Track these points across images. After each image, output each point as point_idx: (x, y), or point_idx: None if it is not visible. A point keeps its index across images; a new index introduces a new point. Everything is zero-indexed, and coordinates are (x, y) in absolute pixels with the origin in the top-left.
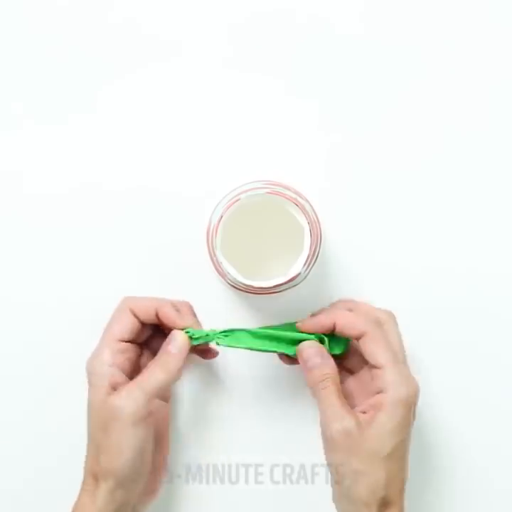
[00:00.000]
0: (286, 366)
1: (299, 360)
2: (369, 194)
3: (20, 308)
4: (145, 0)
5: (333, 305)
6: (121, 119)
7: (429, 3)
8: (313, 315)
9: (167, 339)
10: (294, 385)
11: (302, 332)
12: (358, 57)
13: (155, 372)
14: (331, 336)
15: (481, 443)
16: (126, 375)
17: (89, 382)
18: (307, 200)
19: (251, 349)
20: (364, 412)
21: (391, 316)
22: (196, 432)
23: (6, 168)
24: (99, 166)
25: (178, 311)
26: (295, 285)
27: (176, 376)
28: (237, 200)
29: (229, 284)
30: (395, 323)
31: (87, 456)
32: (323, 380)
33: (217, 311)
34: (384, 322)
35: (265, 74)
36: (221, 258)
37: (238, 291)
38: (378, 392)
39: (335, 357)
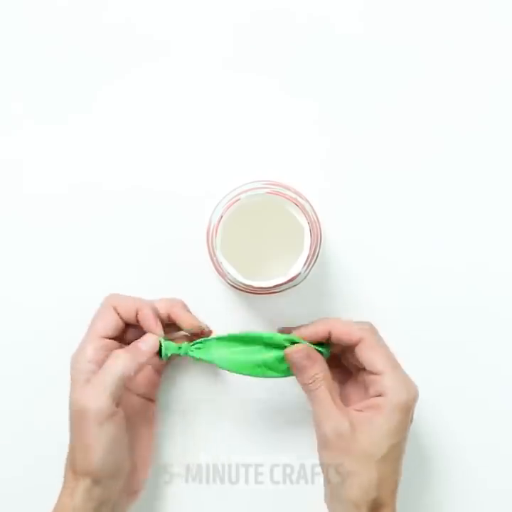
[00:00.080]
0: None
1: (289, 363)
2: (369, 194)
3: (18, 308)
4: (144, 1)
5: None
6: (121, 119)
7: (429, 3)
8: (302, 325)
9: (142, 338)
10: (294, 384)
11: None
12: (357, 57)
13: (117, 363)
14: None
15: (478, 445)
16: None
17: (71, 378)
18: (307, 200)
19: (225, 368)
20: (360, 411)
21: (373, 327)
22: (196, 431)
23: (6, 168)
24: (98, 166)
25: (156, 317)
26: (295, 285)
27: (136, 369)
28: (237, 200)
29: (229, 284)
30: (379, 333)
31: (68, 454)
32: (314, 381)
33: (217, 311)
34: (373, 331)
35: (265, 74)
36: (221, 258)
37: (238, 291)
38: (377, 396)
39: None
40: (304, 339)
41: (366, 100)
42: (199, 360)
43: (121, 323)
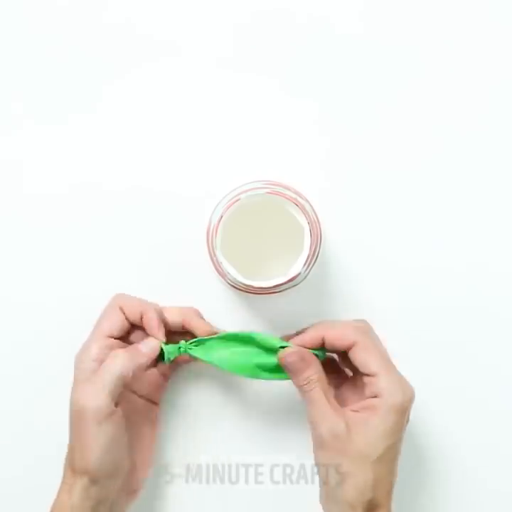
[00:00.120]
0: None
1: (283, 367)
2: (369, 194)
3: (18, 308)
4: (143, 1)
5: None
6: (121, 119)
7: (429, 3)
8: (298, 332)
9: (144, 340)
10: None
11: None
12: (357, 57)
13: (115, 362)
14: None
15: (476, 446)
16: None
17: (73, 377)
18: (307, 200)
19: (223, 368)
20: (356, 411)
21: (368, 324)
22: (196, 431)
23: (5, 168)
24: (98, 166)
25: (161, 322)
26: (295, 285)
27: (136, 369)
28: (237, 200)
29: (229, 284)
30: (374, 331)
31: (67, 452)
32: (309, 382)
33: (217, 311)
34: (366, 330)
35: (265, 74)
36: (221, 258)
37: (238, 291)
38: (373, 397)
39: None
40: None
41: (366, 100)
42: (198, 359)
43: (126, 324)
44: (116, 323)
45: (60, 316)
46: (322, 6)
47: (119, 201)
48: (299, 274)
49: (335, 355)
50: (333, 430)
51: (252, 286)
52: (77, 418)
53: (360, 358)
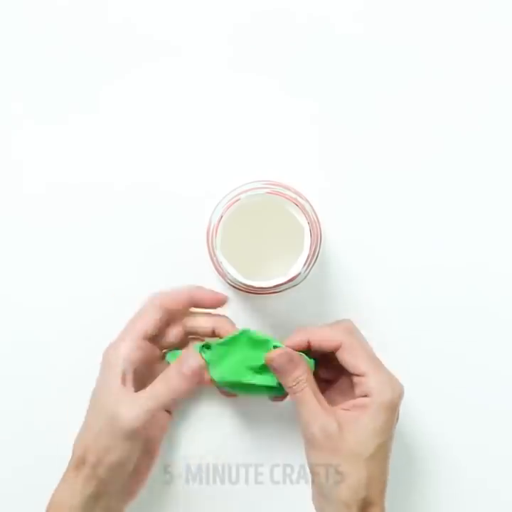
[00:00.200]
0: None
1: (271, 369)
2: (369, 194)
3: (17, 307)
4: (143, 1)
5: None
6: (121, 120)
7: (429, 3)
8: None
9: (181, 358)
10: None
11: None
12: (357, 57)
13: (162, 393)
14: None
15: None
16: (138, 372)
17: (102, 371)
18: (307, 200)
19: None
20: (346, 410)
21: (352, 323)
22: (197, 432)
23: (6, 168)
24: (98, 167)
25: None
26: (295, 285)
27: (184, 396)
28: (237, 200)
29: (229, 284)
30: (358, 330)
31: (78, 438)
32: (297, 383)
33: (217, 311)
34: (351, 330)
35: (265, 74)
36: (221, 258)
37: (238, 291)
38: (363, 396)
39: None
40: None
41: (366, 100)
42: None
43: (160, 324)
44: (150, 322)
45: (59, 315)
46: (322, 6)
47: (119, 201)
48: (299, 274)
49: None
50: (325, 429)
51: (252, 286)
52: (106, 424)
53: (348, 358)
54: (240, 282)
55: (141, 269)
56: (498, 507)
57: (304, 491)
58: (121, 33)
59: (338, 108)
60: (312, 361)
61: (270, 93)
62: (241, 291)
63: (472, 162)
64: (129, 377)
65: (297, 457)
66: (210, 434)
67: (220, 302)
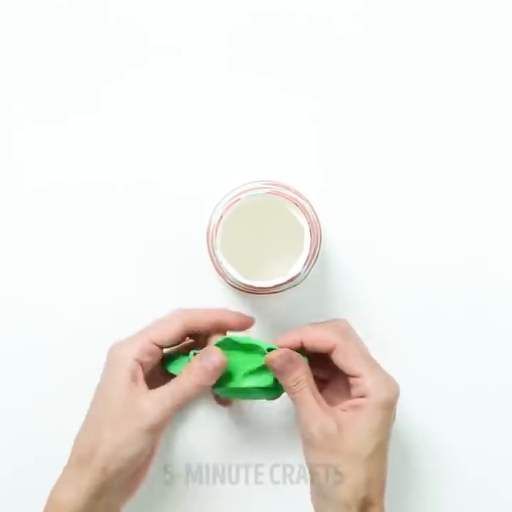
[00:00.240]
0: None
1: (271, 370)
2: (369, 194)
3: (17, 307)
4: (144, 1)
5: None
6: (121, 120)
7: (429, 3)
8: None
9: (202, 355)
10: None
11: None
12: (357, 57)
13: (186, 387)
14: None
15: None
16: (148, 376)
17: (110, 368)
18: (307, 200)
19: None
20: (344, 411)
21: (347, 323)
22: (197, 431)
23: (6, 168)
24: (98, 167)
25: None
26: (295, 285)
27: (202, 392)
28: (237, 200)
29: (229, 284)
30: (353, 329)
31: (81, 435)
32: (297, 383)
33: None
34: (346, 330)
35: (265, 74)
36: (221, 258)
37: (238, 291)
38: (359, 397)
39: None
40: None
41: (366, 100)
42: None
43: (179, 337)
44: (168, 336)
45: (59, 315)
46: (322, 6)
47: (119, 201)
48: (299, 274)
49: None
50: (325, 430)
51: (252, 286)
52: (125, 415)
53: (343, 361)
54: (240, 282)
55: (141, 269)
56: (497, 506)
57: (304, 491)
58: (122, 33)
59: (338, 108)
60: (305, 359)
61: (270, 93)
62: (241, 291)
63: (472, 162)
64: (140, 376)
65: (297, 457)
66: (210, 434)
67: (248, 324)
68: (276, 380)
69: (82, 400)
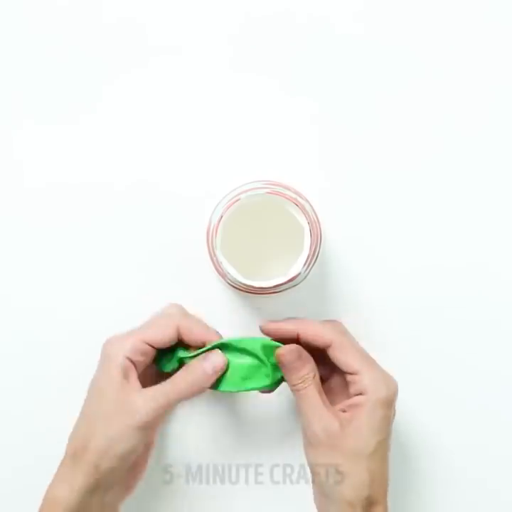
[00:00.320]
0: None
1: (280, 364)
2: (369, 194)
3: (17, 307)
4: (144, 1)
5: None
6: (121, 120)
7: (429, 3)
8: (272, 321)
9: (204, 355)
10: None
11: (265, 333)
12: (357, 57)
13: (182, 387)
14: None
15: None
16: (141, 374)
17: (102, 363)
18: (307, 200)
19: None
20: (344, 411)
21: (341, 323)
22: (197, 431)
23: (6, 168)
24: (98, 167)
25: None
26: (295, 285)
27: (199, 393)
28: (237, 200)
29: (229, 284)
30: (348, 331)
31: (74, 431)
32: (303, 381)
33: (217, 311)
34: (341, 329)
35: (265, 74)
36: (221, 258)
37: (238, 291)
38: (357, 395)
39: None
40: (270, 334)
41: (366, 100)
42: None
43: (171, 341)
44: (162, 339)
45: (59, 314)
46: (322, 6)
47: (119, 201)
48: (299, 274)
49: None
50: (328, 429)
51: (252, 286)
52: (118, 412)
53: (340, 356)
54: (240, 282)
55: (141, 269)
56: (496, 506)
57: (304, 491)
58: (122, 33)
59: (338, 108)
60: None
61: (270, 93)
62: (241, 291)
63: (472, 162)
64: (133, 374)
65: (297, 457)
66: (210, 434)
67: None
68: (273, 375)
69: (82, 400)
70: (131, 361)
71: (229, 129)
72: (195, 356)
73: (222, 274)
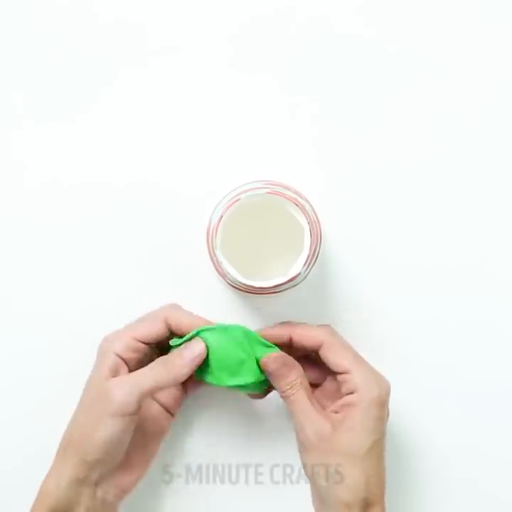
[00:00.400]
0: None
1: (265, 373)
2: (369, 194)
3: (17, 306)
4: (144, 1)
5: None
6: (121, 119)
7: (429, 3)
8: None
9: (185, 344)
10: None
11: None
12: (357, 57)
13: (158, 372)
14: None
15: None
16: (129, 370)
17: (96, 361)
18: (307, 200)
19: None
20: (336, 412)
21: (330, 325)
22: (196, 431)
23: (6, 168)
24: (98, 166)
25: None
26: (295, 285)
27: (178, 381)
28: (237, 200)
29: (229, 284)
30: (338, 333)
31: (66, 427)
32: (291, 387)
33: (217, 311)
34: (332, 331)
35: (265, 74)
36: (221, 258)
37: (238, 291)
38: (350, 393)
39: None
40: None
41: (366, 100)
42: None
43: (162, 336)
44: (151, 334)
45: (58, 314)
46: (322, 6)
47: (119, 201)
48: (299, 274)
49: None
50: (319, 432)
51: (252, 286)
52: (96, 402)
53: (331, 356)
54: (240, 282)
55: (141, 269)
56: (487, 505)
57: (304, 491)
58: (121, 32)
59: (338, 108)
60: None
61: (270, 93)
62: (241, 291)
63: (472, 162)
64: (123, 371)
65: (297, 457)
66: (209, 434)
67: None
68: (258, 371)
69: None
70: (122, 358)
71: (229, 128)
72: (182, 343)
73: (222, 274)
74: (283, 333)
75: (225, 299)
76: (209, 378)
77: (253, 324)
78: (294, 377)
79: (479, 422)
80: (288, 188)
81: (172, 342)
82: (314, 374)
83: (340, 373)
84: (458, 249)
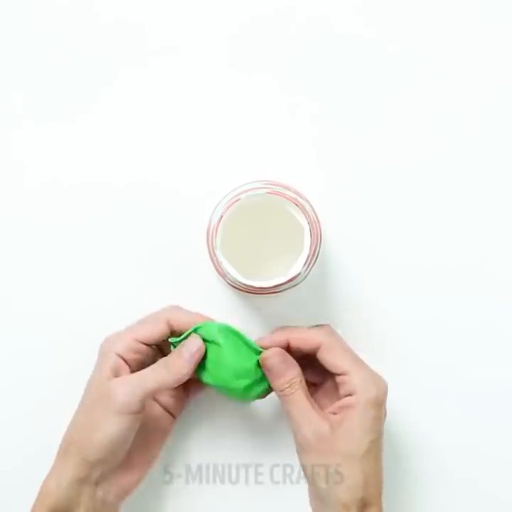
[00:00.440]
0: None
1: (264, 370)
2: (369, 194)
3: (17, 306)
4: (144, 1)
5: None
6: (121, 119)
7: (429, 3)
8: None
9: (183, 342)
10: None
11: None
12: (357, 57)
13: (160, 373)
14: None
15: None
16: (131, 371)
17: (97, 361)
18: (307, 200)
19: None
20: (334, 413)
21: (330, 326)
22: (196, 431)
23: (6, 168)
24: (98, 166)
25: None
26: (295, 285)
27: (179, 381)
28: (237, 200)
29: (229, 284)
30: (337, 333)
31: (67, 428)
32: (290, 386)
33: (217, 311)
34: (330, 331)
35: (265, 74)
36: (221, 258)
37: (238, 291)
38: (347, 396)
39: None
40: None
41: (366, 100)
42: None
43: (163, 337)
44: (152, 336)
45: (58, 313)
46: (322, 6)
47: (119, 201)
48: (299, 274)
49: None
50: (318, 432)
51: (252, 286)
52: (97, 400)
53: (329, 358)
54: (240, 282)
55: (141, 269)
56: (485, 505)
57: (304, 490)
58: (121, 32)
59: (338, 108)
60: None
61: (270, 93)
62: (241, 291)
63: (472, 162)
64: (124, 371)
65: (297, 457)
66: (209, 434)
67: None
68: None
69: None
70: (124, 359)
71: (229, 128)
72: (182, 340)
73: (222, 274)
74: (280, 340)
75: (225, 299)
76: (209, 379)
77: (253, 324)
78: (293, 375)
79: (479, 422)
80: (288, 188)
81: (171, 339)
82: (312, 375)
83: (339, 375)
84: (458, 249)
